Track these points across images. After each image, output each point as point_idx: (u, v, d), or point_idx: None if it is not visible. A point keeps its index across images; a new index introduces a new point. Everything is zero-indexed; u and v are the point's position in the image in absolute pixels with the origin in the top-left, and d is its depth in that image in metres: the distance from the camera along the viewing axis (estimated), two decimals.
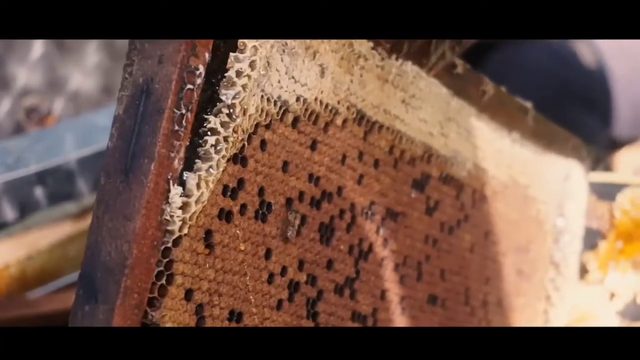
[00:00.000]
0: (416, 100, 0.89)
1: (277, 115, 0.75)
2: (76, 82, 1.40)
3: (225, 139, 0.69)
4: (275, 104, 0.74)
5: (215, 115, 0.69)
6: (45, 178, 1.19)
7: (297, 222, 0.78)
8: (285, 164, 0.77)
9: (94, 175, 1.22)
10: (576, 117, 1.38)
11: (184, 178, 0.68)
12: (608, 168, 1.36)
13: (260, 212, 0.75)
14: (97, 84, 1.44)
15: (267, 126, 0.74)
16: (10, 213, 1.16)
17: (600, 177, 1.19)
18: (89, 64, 1.42)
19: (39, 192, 1.18)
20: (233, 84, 0.69)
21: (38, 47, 1.38)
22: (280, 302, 0.78)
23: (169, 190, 0.66)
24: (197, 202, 0.68)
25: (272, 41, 0.71)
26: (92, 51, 1.40)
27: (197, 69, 0.67)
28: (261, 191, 0.75)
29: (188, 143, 0.68)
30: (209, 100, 0.70)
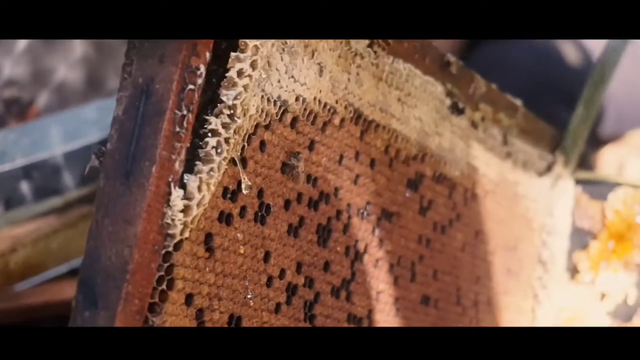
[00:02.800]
0: (411, 99, 0.88)
1: (277, 116, 0.73)
2: (61, 74, 1.37)
3: (227, 140, 0.68)
4: (275, 104, 0.72)
5: (217, 116, 0.67)
6: (31, 172, 1.17)
7: (301, 164, 0.76)
8: (284, 165, 0.75)
9: (81, 169, 1.20)
10: (560, 115, 1.38)
11: (185, 180, 0.66)
12: (591, 165, 1.35)
13: (260, 214, 0.74)
14: (82, 77, 1.41)
15: (267, 127, 0.73)
16: None
17: (586, 175, 1.19)
18: (74, 56, 1.40)
19: (24, 186, 1.16)
20: (234, 84, 0.67)
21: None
22: (278, 305, 0.77)
23: (170, 193, 0.65)
24: (198, 205, 0.66)
25: (272, 40, 0.70)
26: (77, 43, 1.37)
27: (198, 69, 0.65)
28: (260, 193, 0.74)
29: (189, 145, 0.66)
30: (210, 101, 0.68)
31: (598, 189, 1.17)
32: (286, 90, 0.73)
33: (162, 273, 0.66)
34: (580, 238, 1.17)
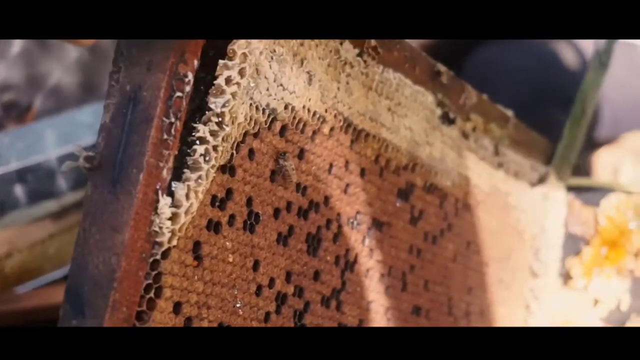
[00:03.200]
0: (402, 108, 0.88)
1: (266, 124, 0.73)
2: (56, 78, 1.37)
3: (215, 148, 0.67)
4: (264, 112, 0.72)
5: (205, 124, 0.67)
6: (25, 176, 1.17)
7: (289, 162, 0.76)
8: (273, 173, 0.75)
9: (75, 173, 1.19)
10: (555, 117, 1.38)
11: (173, 188, 0.66)
12: (586, 168, 1.35)
13: (249, 222, 0.74)
14: (77, 80, 1.41)
15: (256, 135, 0.73)
16: None
17: (580, 181, 1.19)
18: (69, 59, 1.40)
19: (19, 190, 1.16)
20: (222, 92, 0.67)
21: (17, 42, 1.36)
22: (267, 314, 0.77)
23: (157, 201, 0.65)
24: (186, 213, 0.66)
25: (261, 47, 0.70)
26: (72, 46, 1.37)
27: (186, 76, 0.65)
28: (249, 201, 0.73)
29: (177, 152, 0.66)
30: (198, 108, 0.68)
31: (591, 195, 1.17)
32: (275, 99, 0.73)
33: (150, 281, 0.66)
34: (573, 244, 1.17)
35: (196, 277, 0.69)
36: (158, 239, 0.65)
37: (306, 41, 0.75)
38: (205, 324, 0.70)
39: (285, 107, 0.74)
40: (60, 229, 1.15)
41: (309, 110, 0.77)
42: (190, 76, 0.65)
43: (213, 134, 0.67)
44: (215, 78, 0.67)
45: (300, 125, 0.77)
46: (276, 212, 0.76)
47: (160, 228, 0.65)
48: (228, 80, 0.67)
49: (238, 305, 0.73)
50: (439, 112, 0.93)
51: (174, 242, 0.66)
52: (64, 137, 1.21)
